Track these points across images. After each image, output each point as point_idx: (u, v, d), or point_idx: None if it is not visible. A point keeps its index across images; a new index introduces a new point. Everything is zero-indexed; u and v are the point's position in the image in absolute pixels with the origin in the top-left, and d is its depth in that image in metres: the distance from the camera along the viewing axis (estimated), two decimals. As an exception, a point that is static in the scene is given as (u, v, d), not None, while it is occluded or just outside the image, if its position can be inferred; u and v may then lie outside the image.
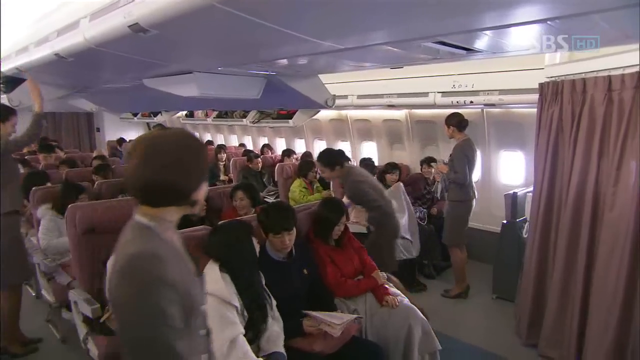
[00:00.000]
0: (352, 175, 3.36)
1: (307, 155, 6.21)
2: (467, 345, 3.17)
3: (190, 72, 2.32)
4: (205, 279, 1.87)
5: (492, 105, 3.61)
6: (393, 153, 5.77)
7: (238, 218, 2.61)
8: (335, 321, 2.04)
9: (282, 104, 4.09)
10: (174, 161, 1.05)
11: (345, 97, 4.76)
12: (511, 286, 3.74)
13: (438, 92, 3.86)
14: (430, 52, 1.48)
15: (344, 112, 5.99)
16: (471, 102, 3.64)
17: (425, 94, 3.96)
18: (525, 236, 3.52)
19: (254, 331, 1.93)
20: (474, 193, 3.85)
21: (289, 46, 1.57)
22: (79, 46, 1.91)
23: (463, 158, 3.65)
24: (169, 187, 1.06)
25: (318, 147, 6.83)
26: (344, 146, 6.41)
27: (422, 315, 2.36)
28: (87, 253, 2.68)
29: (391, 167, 4.64)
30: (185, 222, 2.86)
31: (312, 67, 2.10)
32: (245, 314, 1.91)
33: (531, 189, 3.93)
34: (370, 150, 6.06)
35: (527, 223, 3.46)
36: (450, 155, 3.74)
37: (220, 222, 2.28)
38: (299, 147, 7.11)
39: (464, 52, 1.50)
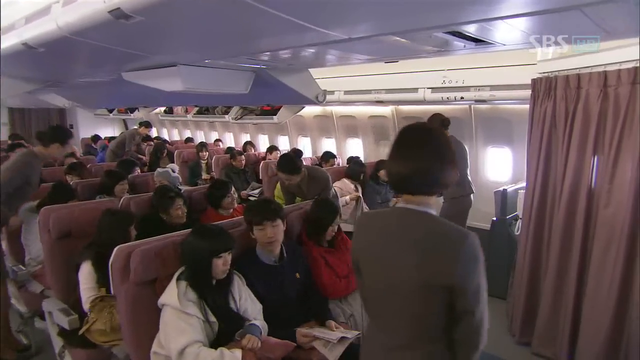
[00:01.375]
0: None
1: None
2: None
3: (175, 65, 2.16)
4: None
5: (483, 101, 3.56)
6: (379, 150, 5.70)
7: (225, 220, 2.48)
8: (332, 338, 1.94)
9: (271, 100, 3.95)
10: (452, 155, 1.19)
11: (332, 92, 4.64)
12: (501, 284, 3.72)
13: (428, 88, 3.79)
14: (438, 44, 1.39)
15: (328, 109, 5.88)
16: (462, 98, 3.59)
17: (415, 90, 3.89)
18: (517, 233, 3.49)
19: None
20: (471, 188, 3.96)
21: (287, 35, 1.45)
22: (50, 34, 1.74)
23: None
24: (440, 178, 1.17)
25: (302, 143, 6.72)
26: (329, 143, 6.32)
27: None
28: (62, 260, 2.51)
29: (383, 162, 4.55)
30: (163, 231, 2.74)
31: (307, 60, 1.97)
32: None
33: (520, 185, 3.96)
34: (355, 147, 5.97)
35: (519, 220, 3.43)
36: None
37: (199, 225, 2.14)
38: (283, 143, 6.97)
39: (473, 44, 1.41)
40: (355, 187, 4.28)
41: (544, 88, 2.88)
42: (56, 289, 2.52)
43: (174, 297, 1.73)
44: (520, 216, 3.33)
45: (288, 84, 2.55)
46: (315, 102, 2.81)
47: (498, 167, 4.62)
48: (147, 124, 6.94)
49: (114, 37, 1.72)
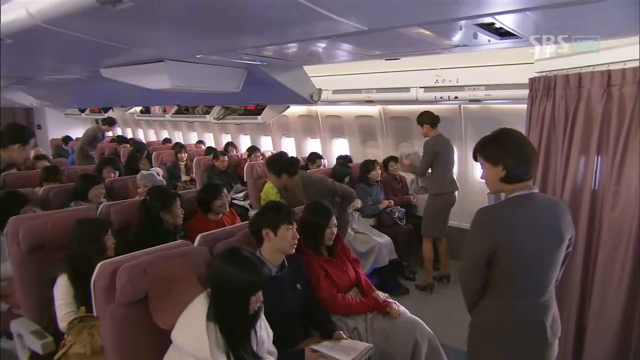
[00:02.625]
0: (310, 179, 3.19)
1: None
2: (457, 350, 3.03)
3: (161, 61, 1.97)
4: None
5: (478, 101, 3.49)
6: (366, 150, 5.59)
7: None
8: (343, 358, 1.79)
9: (262, 99, 3.78)
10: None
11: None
12: None
13: (420, 87, 3.70)
14: (463, 38, 1.26)
15: (314, 108, 5.72)
16: (456, 97, 3.51)
17: (407, 89, 3.79)
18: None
19: None
20: (455, 186, 3.97)
21: (295, 25, 1.29)
22: (20, 23, 1.52)
23: (429, 154, 3.81)
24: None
25: (286, 144, 6.54)
26: (314, 143, 6.17)
27: (428, 328, 2.17)
28: (34, 274, 2.27)
29: (372, 163, 4.45)
30: (153, 234, 2.53)
31: (312, 55, 1.81)
32: None
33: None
34: (341, 147, 5.84)
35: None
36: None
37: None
38: (265, 144, 6.78)
39: (498, 38, 1.29)
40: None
41: (543, 87, 2.81)
42: (27, 307, 2.28)
43: (205, 348, 1.42)
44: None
45: (282, 81, 2.40)
46: (310, 101, 2.66)
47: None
48: (111, 122, 6.57)
49: (95, 28, 1.52)
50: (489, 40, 1.60)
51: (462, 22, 1.24)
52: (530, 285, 1.58)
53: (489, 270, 1.56)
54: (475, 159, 1.69)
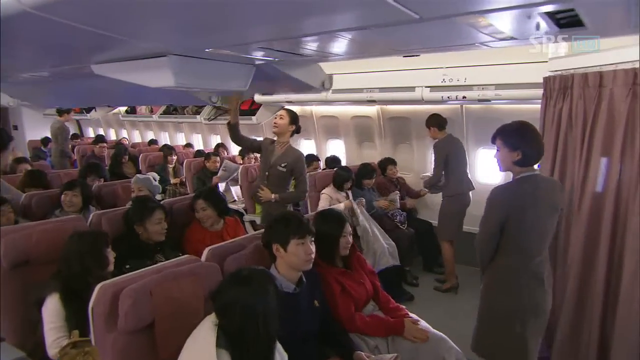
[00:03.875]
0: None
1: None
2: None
3: (164, 55, 1.76)
4: None
5: (487, 100, 3.37)
6: (362, 152, 5.44)
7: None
8: None
9: (267, 90, 3.58)
10: None
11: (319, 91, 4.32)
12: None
13: (426, 87, 3.56)
14: (522, 28, 1.11)
15: (308, 108, 5.54)
16: (464, 97, 3.38)
17: (412, 89, 3.65)
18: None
19: None
20: (470, 185, 3.95)
21: (335, 12, 1.12)
22: (5, 10, 1.30)
23: (441, 156, 3.78)
24: None
25: (278, 145, 6.34)
26: (308, 144, 5.99)
27: (454, 345, 2.02)
28: (17, 294, 2.03)
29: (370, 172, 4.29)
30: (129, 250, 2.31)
31: (346, 49, 1.62)
32: None
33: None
34: (337, 148, 5.67)
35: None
36: None
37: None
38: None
39: (557, 29, 1.15)
40: (346, 194, 3.98)
41: (558, 87, 2.71)
42: (9, 330, 2.04)
43: None
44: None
45: (293, 74, 2.21)
46: (322, 89, 2.47)
47: (489, 169, 4.47)
48: (68, 110, 6.30)
49: (91, 14, 1.32)
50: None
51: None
52: (532, 246, 1.98)
53: (501, 236, 1.95)
54: (494, 141, 2.03)
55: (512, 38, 1.27)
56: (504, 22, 1.10)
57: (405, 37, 1.36)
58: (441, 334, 2.05)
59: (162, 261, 2.42)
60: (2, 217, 2.45)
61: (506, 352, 2.02)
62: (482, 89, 3.27)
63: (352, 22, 1.19)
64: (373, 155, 5.21)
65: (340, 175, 3.95)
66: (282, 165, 3.04)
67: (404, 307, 2.26)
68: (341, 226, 2.13)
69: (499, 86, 3.20)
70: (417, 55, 2.46)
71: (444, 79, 3.44)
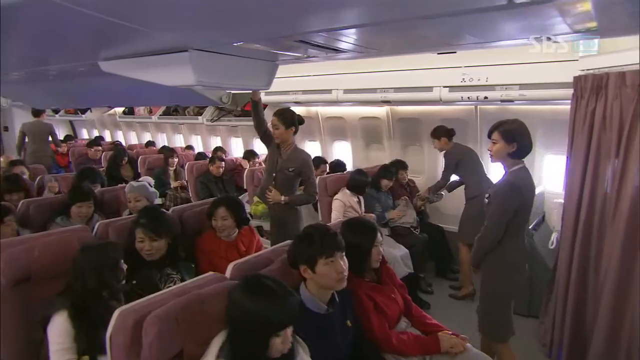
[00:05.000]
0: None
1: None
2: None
3: (182, 50, 1.59)
4: None
5: (510, 101, 3.22)
6: (369, 154, 5.29)
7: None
8: None
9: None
10: None
11: (329, 91, 4.16)
12: (522, 300, 3.46)
13: (444, 87, 3.41)
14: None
15: (313, 109, 5.38)
16: (485, 97, 3.23)
17: (429, 89, 3.49)
18: (551, 247, 3.20)
19: None
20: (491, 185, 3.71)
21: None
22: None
23: (449, 166, 3.89)
24: None
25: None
26: (313, 146, 5.83)
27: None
28: (18, 314, 1.84)
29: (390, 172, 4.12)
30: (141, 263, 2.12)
31: (388, 45, 1.46)
32: None
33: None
34: (343, 150, 5.51)
35: (555, 233, 3.13)
36: None
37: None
38: (259, 148, 6.37)
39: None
40: (359, 199, 3.82)
41: (591, 86, 2.58)
42: (9, 353, 1.84)
43: None
44: (557, 228, 3.02)
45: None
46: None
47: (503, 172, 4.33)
48: (43, 110, 6.30)
49: (106, 2, 1.14)
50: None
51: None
52: (524, 229, 2.32)
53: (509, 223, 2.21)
54: (490, 136, 2.27)
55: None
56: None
57: (459, 29, 1.20)
58: (483, 353, 1.90)
59: (172, 275, 2.26)
60: (5, 229, 2.26)
61: (507, 325, 2.35)
62: (505, 89, 3.12)
63: (427, 9, 1.02)
64: (381, 157, 5.05)
65: (355, 180, 3.77)
66: (290, 169, 3.01)
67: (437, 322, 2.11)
68: (372, 236, 1.97)
69: (523, 86, 3.06)
70: (454, 52, 2.31)
71: (463, 79, 3.29)
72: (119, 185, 3.75)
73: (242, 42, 1.49)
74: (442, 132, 3.89)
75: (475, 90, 3.27)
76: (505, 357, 2.34)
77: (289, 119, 2.98)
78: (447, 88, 3.40)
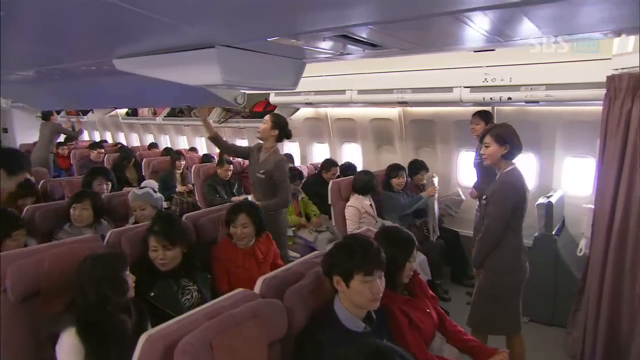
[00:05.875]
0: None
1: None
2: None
3: (212, 47, 1.46)
4: None
5: (536, 102, 3.10)
6: (380, 156, 5.17)
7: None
8: None
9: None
10: None
11: (342, 92, 4.03)
12: (545, 308, 3.34)
13: (465, 87, 3.28)
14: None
15: (322, 110, 5.25)
16: (509, 98, 3.11)
17: (449, 89, 3.36)
18: (580, 254, 3.08)
19: None
20: None
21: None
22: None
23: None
24: None
25: (288, 148, 6.02)
26: (321, 148, 5.70)
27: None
28: (26, 331, 1.71)
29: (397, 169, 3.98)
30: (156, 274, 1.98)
31: (435, 40, 1.33)
32: None
33: (552, 195, 3.59)
34: (353, 152, 5.38)
35: (584, 240, 3.01)
36: None
37: None
38: (264, 149, 6.25)
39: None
40: (371, 203, 3.68)
41: (626, 86, 2.46)
42: (17, 375, 1.71)
43: None
44: (586, 235, 2.89)
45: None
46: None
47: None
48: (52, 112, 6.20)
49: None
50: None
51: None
52: (521, 227, 2.38)
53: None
54: (481, 140, 2.40)
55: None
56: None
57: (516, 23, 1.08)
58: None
59: (188, 286, 2.13)
60: (13, 243, 2.14)
61: (506, 322, 2.44)
62: (531, 89, 3.00)
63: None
64: (392, 159, 4.91)
65: (359, 180, 3.64)
66: (261, 172, 2.98)
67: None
68: (410, 250, 1.83)
69: (550, 86, 2.94)
70: (492, 50, 2.19)
71: (485, 79, 3.17)
72: (126, 189, 3.60)
73: (276, 37, 1.35)
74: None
75: (498, 90, 3.15)
76: (517, 347, 2.47)
77: (278, 122, 3.02)
78: (468, 88, 3.27)
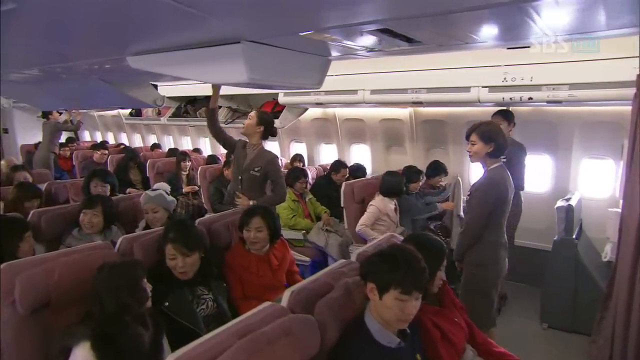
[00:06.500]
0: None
1: (296, 158, 5.30)
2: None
3: (237, 42, 1.36)
4: None
5: (559, 102, 3.00)
6: (390, 157, 5.07)
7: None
8: None
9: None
10: None
11: (354, 92, 3.93)
12: (565, 314, 3.24)
13: (483, 87, 3.18)
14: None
15: (330, 111, 5.16)
16: (530, 98, 3.01)
17: (466, 89, 3.26)
18: (605, 259, 2.98)
19: None
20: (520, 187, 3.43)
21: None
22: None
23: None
24: None
25: (294, 150, 5.92)
26: (329, 149, 5.61)
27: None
28: (35, 345, 1.61)
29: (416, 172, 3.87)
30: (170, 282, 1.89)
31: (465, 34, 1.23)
32: None
33: (569, 197, 3.50)
34: (361, 154, 5.28)
35: (609, 244, 2.91)
36: None
37: None
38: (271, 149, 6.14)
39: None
40: (395, 207, 3.58)
41: (658, 86, 2.36)
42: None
43: None
44: (612, 239, 2.80)
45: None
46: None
47: (536, 176, 4.11)
48: (51, 112, 6.07)
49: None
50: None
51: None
52: (503, 224, 2.45)
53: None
54: (468, 138, 2.41)
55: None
56: None
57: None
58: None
59: (204, 295, 2.03)
60: (26, 245, 2.05)
61: (485, 316, 2.44)
62: (553, 89, 2.90)
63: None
64: (403, 160, 4.82)
65: (387, 182, 3.52)
66: (256, 169, 2.95)
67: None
68: (441, 258, 1.73)
69: (573, 85, 2.84)
70: (527, 47, 2.09)
71: (505, 78, 3.07)
72: (133, 191, 3.50)
73: (310, 31, 1.25)
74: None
75: (518, 90, 3.05)
76: None
77: (264, 119, 3.00)
78: (487, 88, 3.17)
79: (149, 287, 1.67)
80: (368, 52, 1.57)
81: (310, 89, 1.74)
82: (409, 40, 1.37)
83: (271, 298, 2.38)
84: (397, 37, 1.31)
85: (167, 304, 1.87)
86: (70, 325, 1.55)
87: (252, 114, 3.04)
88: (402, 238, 2.17)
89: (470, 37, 1.36)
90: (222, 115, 5.14)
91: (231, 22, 1.23)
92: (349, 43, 1.39)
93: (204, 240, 2.07)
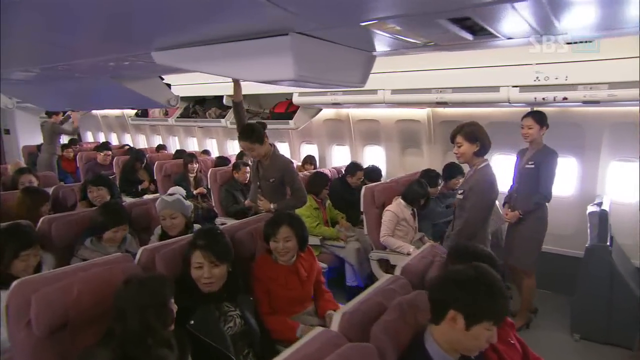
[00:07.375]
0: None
1: (307, 161, 5.15)
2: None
3: (285, 34, 1.21)
4: None
5: (596, 102, 2.85)
6: (405, 159, 4.92)
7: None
8: None
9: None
10: None
11: (374, 92, 3.78)
12: (599, 325, 3.08)
13: (513, 86, 3.03)
14: None
15: (344, 111, 5.01)
16: (564, 98, 2.86)
17: (495, 89, 3.11)
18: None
19: None
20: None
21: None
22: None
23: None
24: None
25: (305, 151, 5.76)
26: (341, 151, 5.45)
27: None
28: (53, 370, 1.44)
29: (435, 177, 3.72)
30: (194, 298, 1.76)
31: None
32: None
33: (599, 202, 3.35)
34: (375, 155, 5.12)
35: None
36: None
37: None
38: (284, 152, 5.98)
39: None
40: (413, 212, 3.43)
41: None
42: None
43: None
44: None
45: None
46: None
47: (560, 180, 3.96)
48: (57, 112, 5.87)
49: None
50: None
51: None
52: (489, 217, 2.55)
53: None
54: (453, 140, 2.51)
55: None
56: None
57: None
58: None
59: (231, 311, 1.88)
60: (22, 264, 1.89)
61: None
62: (591, 88, 2.74)
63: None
64: (419, 163, 4.67)
65: (411, 191, 3.38)
66: (271, 180, 2.96)
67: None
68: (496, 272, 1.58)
69: (613, 85, 2.68)
70: (590, 42, 1.93)
71: (537, 77, 2.92)
72: (145, 196, 3.34)
73: (373, 21, 1.10)
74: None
75: (551, 90, 2.90)
76: None
77: (256, 137, 2.87)
78: (517, 88, 3.02)
79: (175, 308, 1.53)
80: (422, 46, 1.42)
81: (354, 87, 1.58)
82: (474, 32, 1.22)
83: (298, 311, 2.24)
84: (466, 28, 1.16)
85: (192, 322, 1.71)
86: (89, 347, 1.41)
87: (249, 145, 2.88)
88: (444, 249, 2.03)
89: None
90: (231, 116, 4.98)
91: (280, 10, 1.07)
92: (403, 37, 1.24)
93: (232, 251, 1.91)
